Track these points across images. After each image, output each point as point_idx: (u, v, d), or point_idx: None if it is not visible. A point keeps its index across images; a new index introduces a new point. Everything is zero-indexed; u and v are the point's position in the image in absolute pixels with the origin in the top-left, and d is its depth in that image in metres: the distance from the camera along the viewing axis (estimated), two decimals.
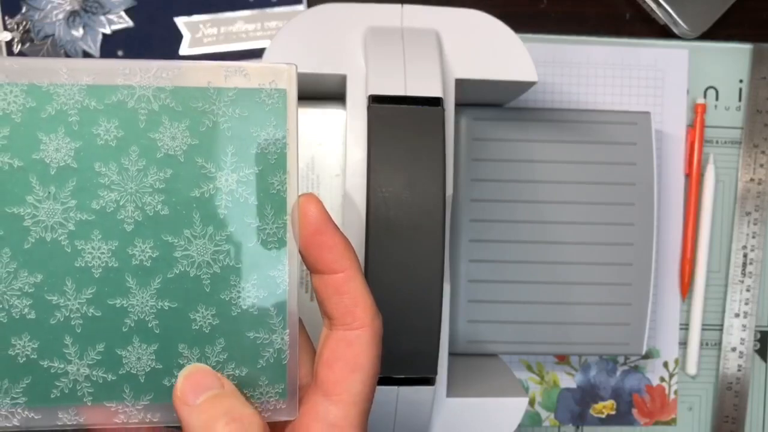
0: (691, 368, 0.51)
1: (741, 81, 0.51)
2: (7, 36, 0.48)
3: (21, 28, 0.48)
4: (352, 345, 0.27)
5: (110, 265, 0.26)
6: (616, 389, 0.51)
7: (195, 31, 0.49)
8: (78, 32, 0.48)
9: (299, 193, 0.27)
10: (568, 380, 0.51)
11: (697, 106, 0.50)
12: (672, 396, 0.51)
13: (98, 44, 0.48)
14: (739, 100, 0.51)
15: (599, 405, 0.51)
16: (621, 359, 0.51)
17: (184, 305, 0.26)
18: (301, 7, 0.49)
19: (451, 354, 0.40)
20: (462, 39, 0.39)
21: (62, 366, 0.26)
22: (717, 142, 0.51)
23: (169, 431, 0.29)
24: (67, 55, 0.48)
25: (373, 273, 0.35)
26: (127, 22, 0.48)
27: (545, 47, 0.50)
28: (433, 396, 0.37)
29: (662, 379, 0.51)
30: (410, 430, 0.39)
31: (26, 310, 0.26)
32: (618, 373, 0.51)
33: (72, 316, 0.26)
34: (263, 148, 0.26)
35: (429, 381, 0.37)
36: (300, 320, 0.28)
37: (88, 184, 0.25)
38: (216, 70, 0.26)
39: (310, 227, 0.27)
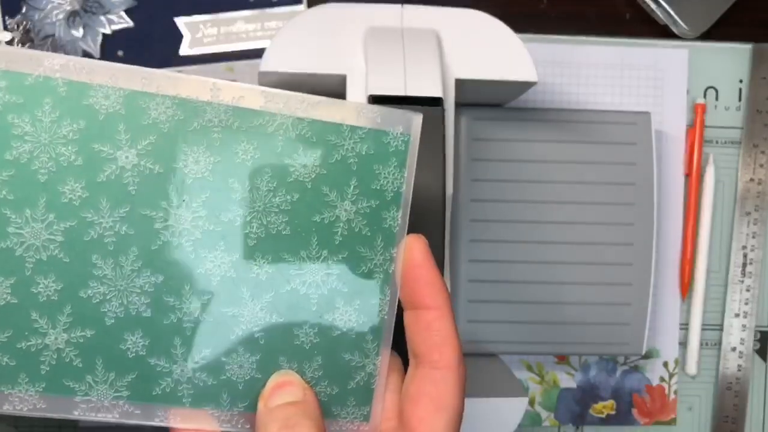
0: (691, 368, 0.51)
1: (741, 81, 0.51)
2: (7, 36, 0.48)
3: (21, 28, 0.48)
4: (438, 384, 0.28)
5: (228, 275, 0.27)
6: (616, 389, 0.51)
7: (195, 31, 0.49)
8: (78, 32, 0.48)
9: (408, 232, 0.29)
10: (568, 380, 0.51)
11: (697, 106, 0.50)
12: (672, 396, 0.51)
13: (98, 44, 0.48)
14: (739, 100, 0.51)
15: (599, 405, 0.51)
16: (621, 359, 0.51)
17: (290, 321, 0.28)
18: (301, 7, 0.49)
19: None
20: (462, 39, 0.39)
21: (168, 366, 0.27)
22: (717, 142, 0.51)
23: None
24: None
25: None
26: (127, 22, 0.48)
27: (545, 47, 0.50)
28: None
29: (662, 379, 0.51)
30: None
31: (143, 308, 0.27)
32: (618, 373, 0.51)
33: (185, 319, 0.27)
34: (382, 184, 0.28)
35: None
36: (393, 352, 0.29)
37: (221, 197, 0.27)
38: (351, 109, 0.28)
39: (412, 261, 0.28)
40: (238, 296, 0.27)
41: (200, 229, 0.27)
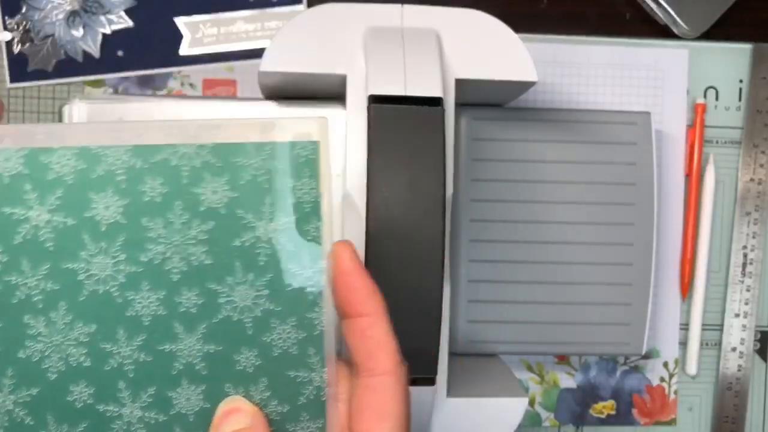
0: (691, 368, 0.51)
1: (741, 81, 0.51)
2: (7, 36, 0.48)
3: (21, 28, 0.48)
4: (378, 392, 0.27)
5: (159, 313, 0.27)
6: (616, 389, 0.51)
7: (195, 31, 0.49)
8: (78, 32, 0.48)
9: (335, 240, 0.28)
10: (568, 380, 0.51)
11: (697, 106, 0.50)
12: (672, 396, 0.51)
13: (98, 44, 0.48)
14: (739, 100, 0.51)
15: (599, 405, 0.51)
16: (621, 359, 0.51)
17: (228, 348, 0.28)
18: (301, 7, 0.49)
19: (451, 354, 0.40)
20: (462, 39, 0.39)
21: (117, 409, 0.27)
22: (717, 142, 0.51)
23: None
24: (67, 55, 0.48)
25: (373, 273, 0.35)
26: (127, 22, 0.48)
27: (545, 47, 0.50)
28: (433, 396, 0.37)
29: (662, 379, 0.51)
30: (410, 429, 0.39)
31: (82, 358, 0.27)
32: (618, 373, 0.51)
33: (125, 362, 0.27)
34: (298, 197, 0.28)
35: (429, 381, 0.37)
36: (342, 361, 0.29)
37: (137, 238, 0.27)
38: (253, 126, 0.27)
39: (341, 269, 0.28)
40: (172, 332, 0.27)
41: (123, 272, 0.27)
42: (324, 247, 0.28)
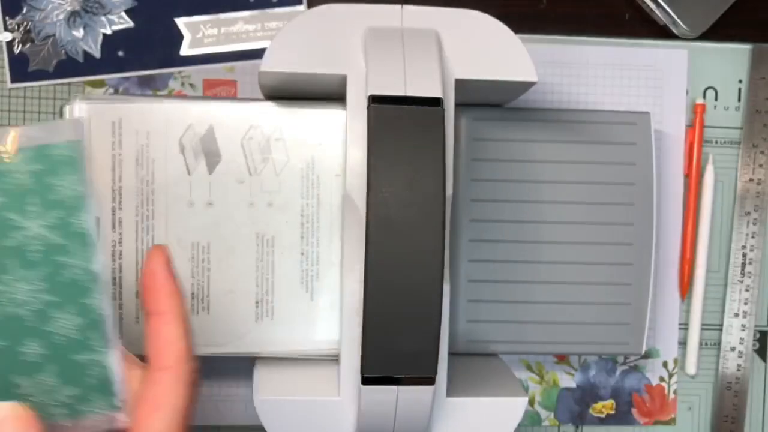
0: (691, 368, 0.51)
1: (740, 81, 0.51)
2: (8, 36, 0.48)
3: (22, 28, 0.48)
4: (156, 385, 0.30)
5: None
6: (616, 389, 0.51)
7: (195, 31, 0.49)
8: (79, 32, 0.48)
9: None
10: (567, 380, 0.51)
11: (697, 107, 0.50)
12: (671, 396, 0.51)
13: (99, 44, 0.48)
14: (739, 100, 0.51)
15: (599, 405, 0.51)
16: (620, 359, 0.51)
17: (12, 342, 0.30)
18: (301, 8, 0.49)
19: (451, 354, 0.40)
20: (462, 39, 0.39)
21: None
22: (716, 142, 0.51)
23: None
24: (68, 55, 0.48)
25: (373, 273, 0.35)
26: (127, 23, 0.48)
27: (545, 47, 0.50)
28: (433, 396, 0.37)
29: (662, 379, 0.51)
30: (410, 429, 0.39)
31: None
32: (617, 372, 0.51)
33: None
34: (63, 194, 0.29)
35: (429, 380, 0.37)
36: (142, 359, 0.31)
37: None
38: (12, 133, 0.29)
39: (147, 268, 0.31)
40: None
41: None
42: (92, 236, 0.30)
